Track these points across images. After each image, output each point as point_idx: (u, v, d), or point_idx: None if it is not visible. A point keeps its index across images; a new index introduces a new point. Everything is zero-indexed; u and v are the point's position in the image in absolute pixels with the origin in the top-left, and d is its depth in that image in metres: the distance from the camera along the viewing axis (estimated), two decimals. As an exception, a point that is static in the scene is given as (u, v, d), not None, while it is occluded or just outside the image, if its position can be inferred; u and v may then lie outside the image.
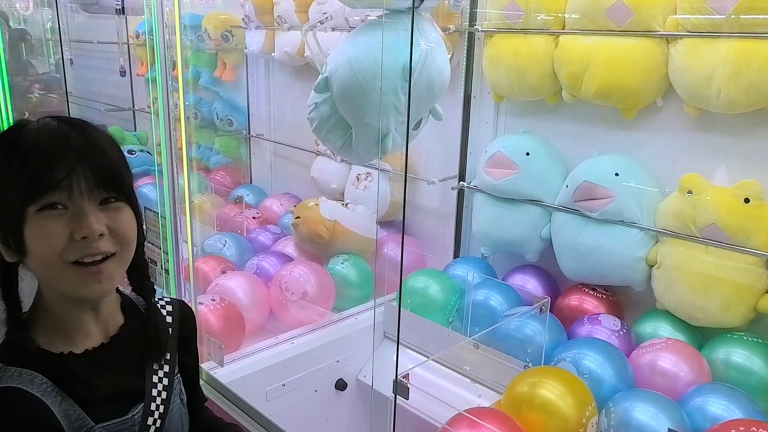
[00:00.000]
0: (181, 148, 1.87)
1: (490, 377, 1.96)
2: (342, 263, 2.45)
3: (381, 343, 2.29)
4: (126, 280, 1.04)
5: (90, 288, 0.91)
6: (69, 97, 3.04)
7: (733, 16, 1.69)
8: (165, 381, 1.03)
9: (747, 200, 1.75)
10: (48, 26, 4.20)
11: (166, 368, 1.04)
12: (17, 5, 4.03)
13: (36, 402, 0.88)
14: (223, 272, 2.37)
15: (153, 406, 1.00)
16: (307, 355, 2.09)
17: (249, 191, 3.44)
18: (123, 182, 0.92)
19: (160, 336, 1.05)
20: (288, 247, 2.66)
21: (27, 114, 3.99)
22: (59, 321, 0.95)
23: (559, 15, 2.07)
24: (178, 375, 1.07)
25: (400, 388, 1.57)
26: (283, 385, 2.01)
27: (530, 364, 1.87)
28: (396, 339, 2.02)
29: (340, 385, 2.20)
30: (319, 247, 2.53)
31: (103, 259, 0.90)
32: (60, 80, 3.97)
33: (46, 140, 0.88)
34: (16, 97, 3.18)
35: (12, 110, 2.92)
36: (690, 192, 1.84)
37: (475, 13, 2.36)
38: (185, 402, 1.09)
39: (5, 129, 0.92)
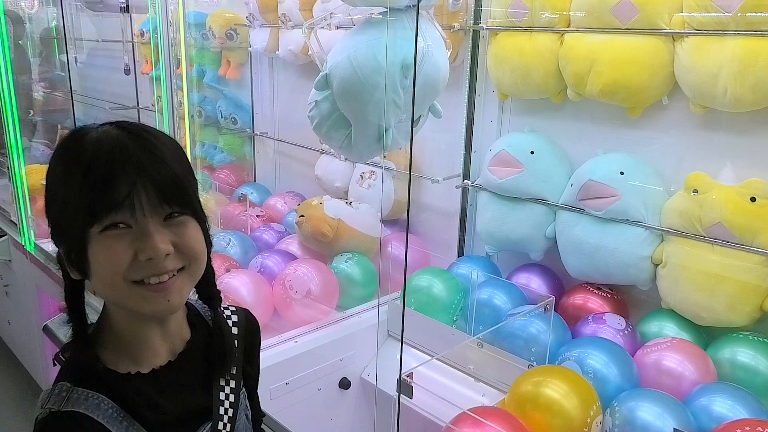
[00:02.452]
0: (186, 147, 1.87)
1: (494, 376, 1.95)
2: (346, 262, 2.45)
3: (385, 342, 2.29)
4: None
5: (158, 305, 0.87)
6: (73, 95, 3.04)
7: (739, 14, 1.68)
8: (231, 397, 0.99)
9: (753, 199, 1.74)
10: (53, 24, 4.21)
11: (233, 384, 1.00)
12: (22, 3, 4.03)
13: (101, 431, 0.85)
14: (227, 270, 2.37)
15: (220, 425, 0.96)
16: (311, 353, 2.09)
17: (253, 189, 3.45)
18: (187, 194, 0.87)
19: (228, 351, 1.00)
20: (292, 245, 2.66)
21: (32, 112, 4.00)
22: (125, 339, 0.92)
23: (565, 13, 2.07)
24: (243, 390, 1.04)
25: (404, 387, 1.57)
26: (287, 383, 2.01)
27: (534, 364, 1.87)
28: (400, 338, 2.01)
29: (344, 384, 2.20)
30: (323, 245, 2.53)
31: (170, 277, 0.87)
32: (64, 78, 3.97)
33: (105, 154, 0.82)
34: (21, 95, 3.19)
35: (17, 108, 2.93)
36: (696, 191, 1.83)
37: (480, 11, 2.35)
38: (250, 418, 1.06)
39: (66, 136, 0.88)
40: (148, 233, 0.83)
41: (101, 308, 0.95)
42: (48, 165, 0.88)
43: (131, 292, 0.85)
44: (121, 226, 0.83)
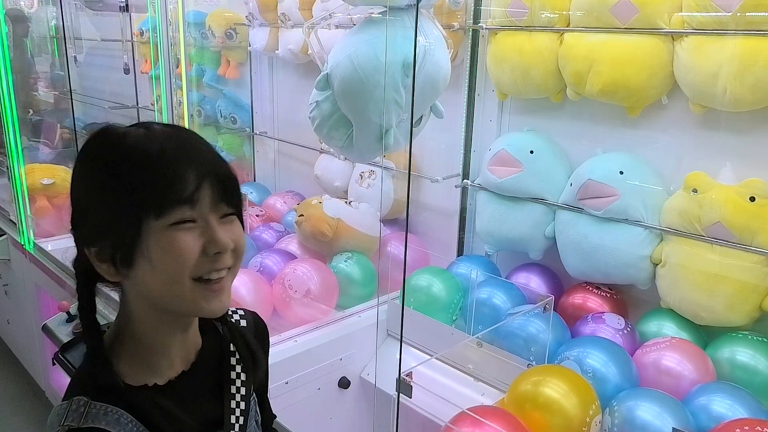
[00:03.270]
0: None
1: (493, 375, 1.95)
2: (345, 261, 2.45)
3: (384, 341, 2.29)
4: None
5: (213, 304, 0.86)
6: (73, 94, 3.04)
7: (739, 14, 1.68)
8: (242, 405, 0.98)
9: (752, 199, 1.74)
10: (52, 24, 4.20)
11: (243, 391, 0.99)
12: (21, 2, 4.03)
13: None
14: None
15: None
16: (311, 353, 2.09)
17: (252, 189, 3.45)
18: (240, 194, 0.89)
19: (255, 354, 1.00)
20: (291, 245, 2.66)
21: (31, 111, 4.00)
22: (146, 349, 0.90)
23: (564, 12, 2.07)
24: (254, 396, 1.02)
25: (404, 387, 1.57)
26: (287, 383, 2.01)
27: (534, 363, 1.87)
28: (399, 337, 2.01)
29: (344, 383, 2.20)
30: (323, 245, 2.53)
31: (225, 274, 0.87)
32: (64, 78, 3.97)
33: (172, 150, 0.83)
34: (21, 94, 3.19)
35: (16, 107, 2.93)
36: (695, 190, 1.83)
37: (480, 10, 2.35)
38: (260, 423, 1.05)
39: (100, 135, 0.86)
40: (214, 227, 0.84)
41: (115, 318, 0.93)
42: (80, 165, 0.85)
43: (193, 290, 0.84)
44: (188, 221, 0.82)
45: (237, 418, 0.96)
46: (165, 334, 0.91)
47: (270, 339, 1.75)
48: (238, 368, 1.00)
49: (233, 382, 0.98)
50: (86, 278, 0.88)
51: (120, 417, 0.83)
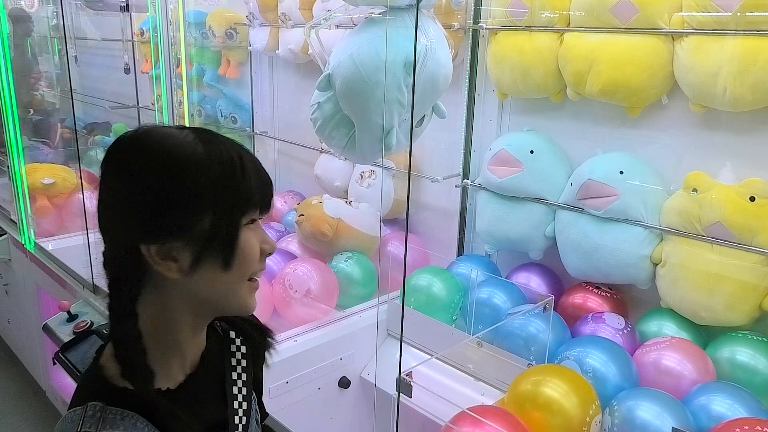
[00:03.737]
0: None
1: (493, 375, 1.95)
2: (345, 261, 2.45)
3: (384, 341, 2.29)
4: None
5: (254, 302, 0.91)
6: (73, 94, 3.04)
7: (739, 14, 1.68)
8: (245, 405, 0.99)
9: (752, 198, 1.74)
10: (52, 23, 4.20)
11: (245, 391, 0.99)
12: (22, 2, 4.03)
13: None
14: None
15: None
16: (311, 352, 2.09)
17: (253, 188, 3.44)
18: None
19: (264, 344, 1.04)
20: (292, 244, 2.66)
21: (32, 111, 4.00)
22: (165, 352, 0.88)
23: (564, 12, 2.07)
24: (254, 395, 1.03)
25: (404, 386, 1.57)
26: (287, 382, 2.01)
27: (534, 363, 1.87)
28: (399, 337, 2.01)
29: (344, 383, 2.20)
30: (323, 244, 2.53)
31: None
32: (64, 77, 3.97)
33: (247, 155, 0.87)
34: (22, 94, 3.19)
35: (16, 106, 2.93)
36: (695, 190, 1.83)
37: (480, 10, 2.35)
38: (259, 422, 1.05)
39: (175, 140, 0.83)
40: (263, 229, 0.89)
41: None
42: (146, 163, 0.82)
43: (246, 289, 0.89)
44: (253, 221, 0.87)
45: (240, 419, 0.96)
46: (188, 336, 0.91)
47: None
48: (239, 368, 1.00)
49: (235, 382, 0.99)
50: (127, 281, 0.84)
51: (137, 422, 0.81)
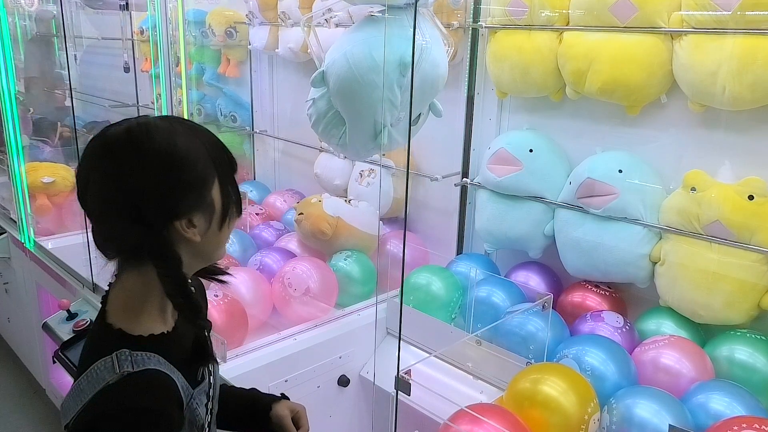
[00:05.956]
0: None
1: (492, 374, 1.95)
2: (345, 260, 2.46)
3: (383, 340, 2.29)
4: None
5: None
6: (73, 92, 3.04)
7: (738, 13, 1.68)
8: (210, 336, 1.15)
9: (751, 197, 1.74)
10: (52, 22, 4.20)
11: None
12: (22, 0, 4.03)
13: (170, 380, 0.97)
14: (226, 268, 2.37)
15: (211, 367, 1.13)
16: (310, 351, 2.09)
17: (252, 187, 3.45)
18: None
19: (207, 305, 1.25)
20: (291, 243, 2.66)
21: (32, 110, 4.00)
22: (165, 301, 1.02)
23: (564, 11, 2.07)
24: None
25: (402, 384, 1.58)
26: (286, 381, 2.01)
27: (533, 361, 1.87)
28: (398, 335, 2.02)
29: (343, 381, 2.20)
30: (322, 243, 2.53)
31: None
32: (64, 76, 3.97)
33: (211, 132, 1.07)
34: (28, 93, 3.20)
35: (16, 106, 2.93)
36: (694, 189, 1.83)
37: (479, 9, 2.35)
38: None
39: (168, 134, 0.98)
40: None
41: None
42: (172, 151, 0.96)
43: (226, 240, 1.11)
44: None
45: (210, 347, 1.12)
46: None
47: (270, 337, 1.89)
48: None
49: (209, 327, 1.15)
50: (167, 248, 0.98)
51: (159, 359, 0.96)
